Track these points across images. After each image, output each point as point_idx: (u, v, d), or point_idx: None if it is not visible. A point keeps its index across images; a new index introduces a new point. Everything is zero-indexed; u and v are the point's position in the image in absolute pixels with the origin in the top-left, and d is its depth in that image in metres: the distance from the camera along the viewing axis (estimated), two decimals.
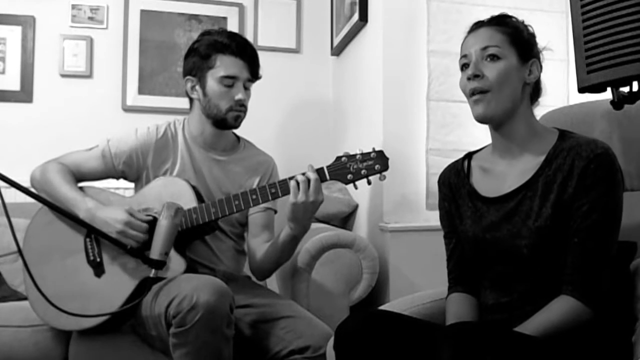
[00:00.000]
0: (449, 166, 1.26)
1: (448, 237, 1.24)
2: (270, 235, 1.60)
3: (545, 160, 1.06)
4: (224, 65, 1.52)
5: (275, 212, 1.67)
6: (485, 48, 1.07)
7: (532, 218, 1.03)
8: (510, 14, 1.14)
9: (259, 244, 1.59)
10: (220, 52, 1.53)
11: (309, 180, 1.33)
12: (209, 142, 1.61)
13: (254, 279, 1.69)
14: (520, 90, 1.08)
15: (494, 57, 1.06)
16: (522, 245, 1.04)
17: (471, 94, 1.08)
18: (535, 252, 1.03)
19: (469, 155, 1.23)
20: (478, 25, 1.13)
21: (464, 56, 1.11)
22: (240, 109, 1.55)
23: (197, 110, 1.60)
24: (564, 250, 1.01)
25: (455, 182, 1.21)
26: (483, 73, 1.06)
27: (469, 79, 1.08)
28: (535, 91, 1.13)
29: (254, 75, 1.59)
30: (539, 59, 1.11)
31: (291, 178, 1.35)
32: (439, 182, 1.27)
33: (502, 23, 1.10)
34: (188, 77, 1.59)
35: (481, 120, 1.09)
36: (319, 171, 1.35)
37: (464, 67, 1.11)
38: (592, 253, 0.99)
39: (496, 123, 1.10)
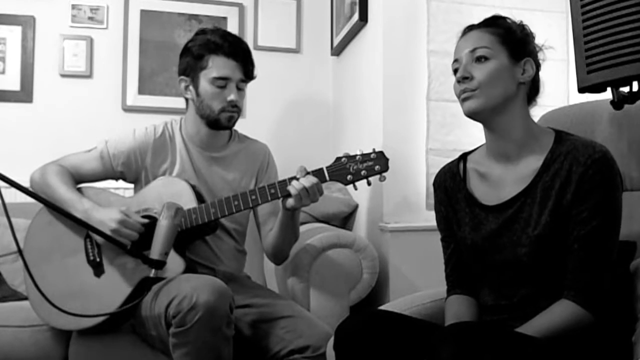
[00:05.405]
0: (444, 168, 1.23)
1: (445, 240, 1.23)
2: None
3: (543, 165, 1.04)
4: (216, 66, 1.51)
5: None
6: (474, 50, 1.06)
7: (532, 226, 1.02)
8: (508, 14, 1.12)
9: (267, 231, 1.60)
10: (213, 53, 1.52)
11: (305, 187, 1.33)
12: (206, 142, 1.61)
13: (254, 278, 1.68)
14: (513, 89, 1.06)
15: (483, 59, 1.05)
16: (522, 254, 1.03)
17: (461, 94, 1.07)
18: (535, 259, 1.02)
19: (464, 157, 1.21)
20: (469, 28, 1.12)
21: (455, 61, 1.11)
22: (233, 110, 1.54)
23: (192, 110, 1.60)
24: (564, 255, 1.00)
25: (451, 186, 1.19)
26: (472, 75, 1.05)
27: (458, 81, 1.08)
28: (532, 91, 1.11)
29: (248, 75, 1.57)
30: (534, 57, 1.09)
31: (292, 178, 1.35)
32: (434, 185, 1.25)
33: (493, 24, 1.09)
34: (182, 77, 1.59)
35: (470, 114, 1.08)
36: (319, 172, 1.35)
37: (455, 71, 1.10)
38: (594, 259, 0.98)
39: (486, 117, 1.08)
